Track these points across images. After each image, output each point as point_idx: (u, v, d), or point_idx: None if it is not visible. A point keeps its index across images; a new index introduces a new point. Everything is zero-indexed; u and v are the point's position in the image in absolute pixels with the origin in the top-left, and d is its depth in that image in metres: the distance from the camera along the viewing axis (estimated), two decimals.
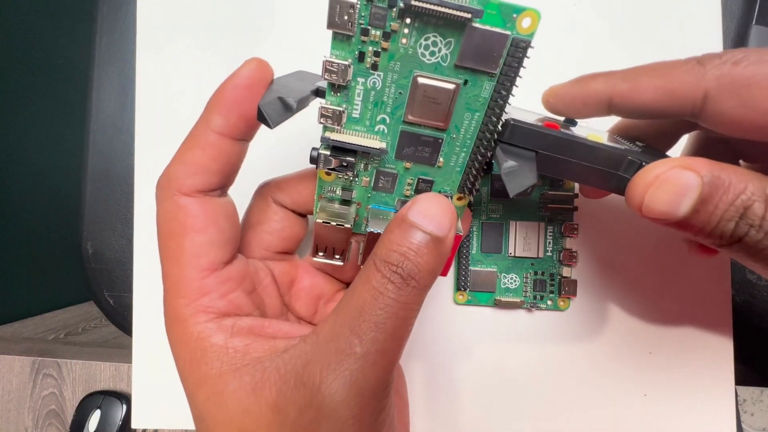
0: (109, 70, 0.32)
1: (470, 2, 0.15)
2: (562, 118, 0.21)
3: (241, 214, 0.21)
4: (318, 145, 0.18)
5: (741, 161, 0.22)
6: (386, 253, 0.17)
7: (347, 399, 0.15)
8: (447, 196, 0.20)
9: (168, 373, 0.29)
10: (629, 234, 0.28)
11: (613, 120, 0.24)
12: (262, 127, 0.17)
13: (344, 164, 0.18)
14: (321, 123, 0.17)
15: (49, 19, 0.86)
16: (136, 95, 0.30)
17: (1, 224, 0.81)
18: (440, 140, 0.18)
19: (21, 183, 0.84)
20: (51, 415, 0.47)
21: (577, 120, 0.21)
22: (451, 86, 0.17)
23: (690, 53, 0.18)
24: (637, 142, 0.20)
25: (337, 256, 0.21)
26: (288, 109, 0.16)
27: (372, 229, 0.19)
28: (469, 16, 0.15)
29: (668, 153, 0.20)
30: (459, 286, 0.28)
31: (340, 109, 0.17)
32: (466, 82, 0.17)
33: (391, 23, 0.16)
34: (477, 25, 0.15)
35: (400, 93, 0.17)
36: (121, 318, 0.32)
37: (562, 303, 0.28)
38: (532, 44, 0.16)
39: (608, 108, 0.19)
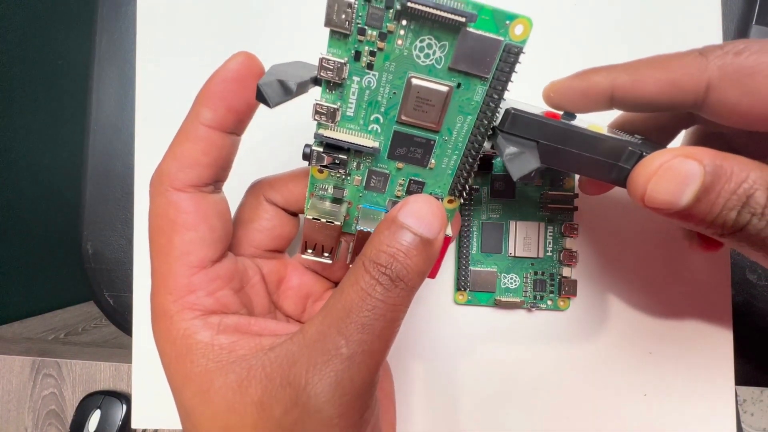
0: (109, 70, 0.32)
1: (465, 7, 0.15)
2: (562, 113, 0.21)
3: (233, 212, 0.21)
4: (311, 142, 0.18)
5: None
6: (375, 253, 0.17)
7: (332, 399, 0.16)
8: (438, 199, 0.20)
9: None
10: (629, 234, 0.28)
11: (612, 116, 0.24)
12: (256, 125, 0.17)
13: (336, 162, 0.18)
14: (315, 120, 0.17)
15: (49, 19, 0.86)
16: (136, 95, 0.30)
17: (1, 224, 0.81)
18: (432, 142, 0.18)
19: (21, 183, 0.84)
20: (51, 415, 0.47)
21: (576, 115, 0.21)
22: (444, 88, 0.17)
23: None
24: (636, 136, 0.20)
25: (326, 254, 0.21)
26: (287, 92, 0.16)
27: (362, 228, 0.19)
28: (463, 20, 0.15)
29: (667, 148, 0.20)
30: (459, 286, 0.28)
31: (335, 106, 0.17)
32: (459, 85, 0.17)
33: (388, 24, 0.16)
34: (471, 29, 0.16)
35: (395, 93, 0.17)
36: (121, 318, 0.32)
37: (562, 303, 0.28)
38: (524, 50, 0.16)
39: (610, 101, 0.19)
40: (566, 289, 0.27)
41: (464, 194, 0.20)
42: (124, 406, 0.45)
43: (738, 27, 0.29)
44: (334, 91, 0.17)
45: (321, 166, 0.18)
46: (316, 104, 0.17)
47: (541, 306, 0.28)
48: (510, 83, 0.17)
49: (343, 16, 0.15)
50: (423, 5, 0.15)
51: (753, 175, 0.15)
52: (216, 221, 0.18)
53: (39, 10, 0.85)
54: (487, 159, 0.27)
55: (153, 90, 0.29)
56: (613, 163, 0.18)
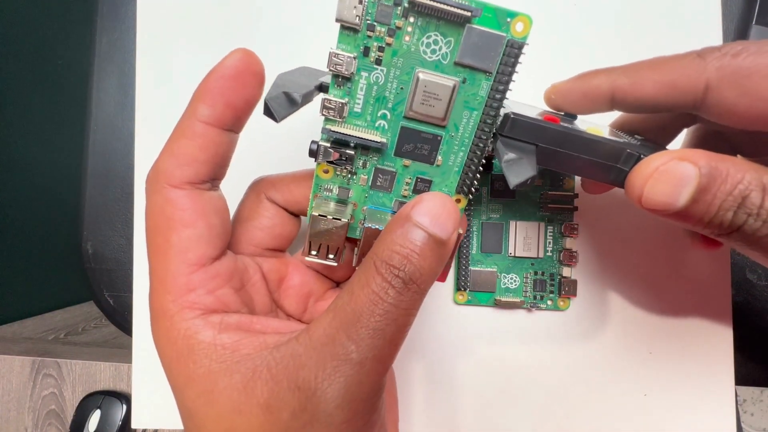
0: (109, 70, 0.32)
1: (470, 2, 0.16)
2: (562, 114, 0.21)
3: (233, 210, 0.21)
4: (316, 139, 0.18)
5: (739, 156, 0.22)
6: (388, 254, 0.16)
7: (342, 404, 0.15)
8: None
9: None
10: (629, 234, 0.28)
11: (613, 117, 0.24)
12: (256, 123, 0.17)
13: (343, 158, 0.18)
14: (323, 115, 0.18)
15: (49, 19, 0.86)
16: (136, 95, 0.30)
17: (1, 224, 0.81)
18: (439, 137, 0.19)
19: (21, 183, 0.84)
20: (51, 415, 0.47)
21: (577, 116, 0.21)
22: (450, 83, 0.17)
23: None
24: (636, 136, 0.20)
25: (331, 256, 0.20)
26: (293, 104, 0.17)
27: (370, 225, 0.19)
28: (468, 14, 0.16)
29: (667, 147, 0.21)
30: (459, 286, 0.28)
31: (343, 101, 0.17)
32: (464, 80, 0.17)
33: (396, 20, 0.16)
34: (475, 26, 0.16)
35: (402, 88, 0.18)
36: (121, 318, 0.32)
37: (562, 303, 0.28)
38: (527, 43, 0.17)
39: (610, 103, 0.19)
40: (566, 289, 0.27)
41: (472, 192, 0.20)
42: (124, 406, 0.45)
43: (738, 27, 0.29)
44: (342, 87, 0.18)
45: (327, 162, 0.18)
46: (325, 99, 0.17)
47: (541, 306, 0.28)
48: (512, 82, 0.17)
49: (354, 12, 0.16)
50: (430, 0, 0.15)
51: (748, 176, 0.15)
52: (214, 218, 0.18)
53: (39, 9, 0.85)
54: (487, 159, 0.27)
55: (153, 90, 0.29)
56: (612, 165, 0.18)
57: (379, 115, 0.18)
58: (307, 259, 0.20)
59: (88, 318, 0.82)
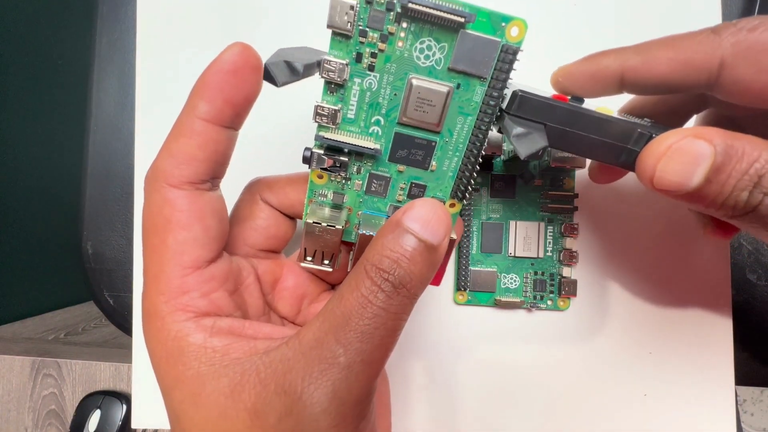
0: (109, 70, 0.32)
1: (463, 8, 0.15)
2: (570, 97, 0.20)
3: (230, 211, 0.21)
4: (310, 145, 0.18)
5: None
6: (378, 258, 0.16)
7: (328, 409, 0.15)
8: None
9: None
10: (629, 233, 0.28)
11: (621, 102, 0.23)
12: (255, 123, 0.17)
13: (337, 164, 0.18)
14: (316, 122, 0.17)
15: (49, 19, 0.86)
16: (136, 95, 0.30)
17: (1, 224, 0.81)
18: (433, 143, 0.18)
19: (21, 183, 0.84)
20: (51, 415, 0.47)
21: (584, 99, 0.20)
22: (444, 89, 0.17)
23: None
24: (646, 119, 0.20)
25: (326, 262, 0.20)
26: (294, 73, 0.16)
27: (364, 231, 0.19)
28: (462, 20, 0.15)
29: None
30: (459, 286, 0.28)
31: (336, 108, 0.17)
32: (458, 85, 0.17)
33: (389, 26, 0.16)
34: (469, 31, 0.16)
35: (395, 94, 0.17)
36: (121, 318, 0.32)
37: (562, 303, 0.28)
38: (522, 48, 0.16)
39: (620, 84, 0.18)
40: (566, 289, 0.27)
41: (466, 197, 0.20)
42: (124, 406, 0.45)
43: None
44: (335, 93, 0.17)
45: (321, 169, 0.18)
46: (317, 106, 0.17)
47: (541, 306, 0.28)
48: (507, 89, 0.17)
49: (345, 18, 0.16)
50: (423, 5, 0.15)
51: (765, 154, 0.15)
52: (211, 220, 0.18)
53: (39, 9, 0.85)
54: (487, 159, 0.27)
55: (153, 90, 0.29)
56: (623, 145, 0.18)
57: (372, 121, 0.18)
58: (302, 265, 0.20)
59: (88, 318, 0.82)
